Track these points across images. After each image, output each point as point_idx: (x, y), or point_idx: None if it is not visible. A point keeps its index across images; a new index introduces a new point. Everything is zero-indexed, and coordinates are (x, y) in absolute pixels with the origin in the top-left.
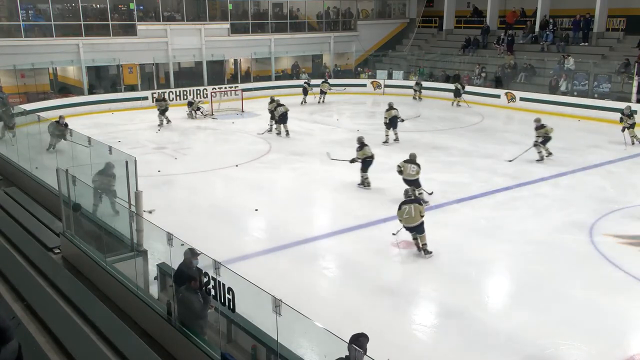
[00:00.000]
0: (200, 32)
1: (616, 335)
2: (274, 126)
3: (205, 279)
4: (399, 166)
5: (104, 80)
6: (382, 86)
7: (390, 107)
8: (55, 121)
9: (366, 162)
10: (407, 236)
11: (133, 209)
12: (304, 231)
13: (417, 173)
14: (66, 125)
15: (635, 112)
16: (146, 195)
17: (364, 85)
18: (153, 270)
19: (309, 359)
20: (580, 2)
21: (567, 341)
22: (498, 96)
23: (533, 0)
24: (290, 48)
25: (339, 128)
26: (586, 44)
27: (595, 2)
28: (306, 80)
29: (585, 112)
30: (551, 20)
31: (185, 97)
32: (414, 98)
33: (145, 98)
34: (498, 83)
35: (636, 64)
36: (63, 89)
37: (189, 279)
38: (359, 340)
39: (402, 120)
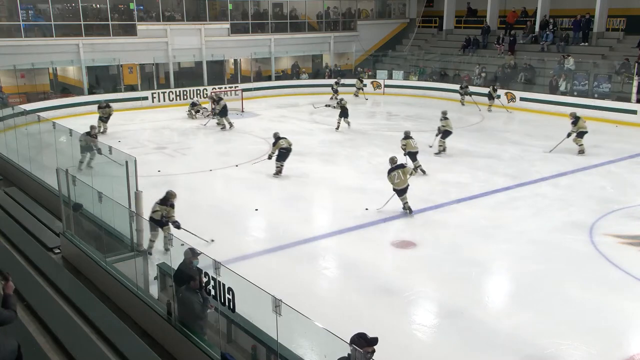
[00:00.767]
0: (200, 32)
1: (616, 335)
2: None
3: (205, 279)
4: (403, 144)
5: (104, 80)
6: (382, 86)
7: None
8: (86, 132)
9: (282, 153)
10: (407, 236)
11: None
12: (304, 231)
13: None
14: (96, 136)
15: (578, 118)
16: (146, 195)
17: (364, 85)
18: (153, 270)
19: (309, 359)
20: (580, 2)
21: (567, 341)
22: (498, 96)
23: (533, 0)
24: (290, 48)
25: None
26: (586, 44)
27: (595, 2)
28: (337, 80)
29: (585, 112)
30: (551, 20)
31: (185, 97)
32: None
33: (145, 98)
34: (498, 82)
35: (636, 64)
36: (64, 89)
37: (189, 279)
38: (359, 341)
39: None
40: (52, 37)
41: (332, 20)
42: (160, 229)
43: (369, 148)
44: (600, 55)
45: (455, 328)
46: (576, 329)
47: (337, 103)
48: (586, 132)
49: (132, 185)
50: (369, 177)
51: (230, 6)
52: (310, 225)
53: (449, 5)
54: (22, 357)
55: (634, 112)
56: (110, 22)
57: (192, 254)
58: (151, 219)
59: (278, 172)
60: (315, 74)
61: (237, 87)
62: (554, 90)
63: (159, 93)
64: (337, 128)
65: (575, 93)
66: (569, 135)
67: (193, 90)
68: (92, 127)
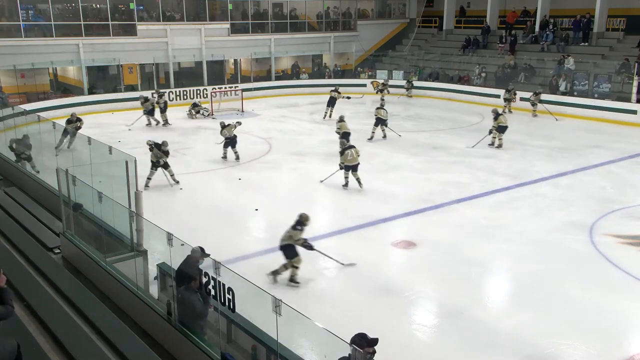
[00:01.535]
0: (200, 32)
1: (616, 335)
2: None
3: (205, 279)
4: (338, 126)
5: (104, 80)
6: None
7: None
8: (67, 120)
9: (227, 142)
10: (407, 236)
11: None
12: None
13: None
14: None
15: (499, 114)
16: (146, 195)
17: (364, 85)
18: (153, 270)
19: (309, 359)
20: (580, 2)
21: (567, 341)
22: (498, 96)
23: (533, 0)
24: (290, 48)
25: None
26: (586, 44)
27: (595, 2)
28: (384, 81)
29: (585, 112)
30: (551, 20)
31: (185, 97)
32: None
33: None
34: (498, 82)
35: (636, 64)
36: (65, 90)
37: (189, 279)
38: (359, 341)
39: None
40: (52, 37)
41: (332, 20)
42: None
43: (368, 148)
44: (600, 55)
45: (455, 328)
46: (576, 329)
47: (380, 107)
48: (506, 127)
49: (132, 185)
50: (369, 177)
51: (230, 6)
52: (310, 225)
53: (449, 5)
54: (22, 357)
55: (634, 112)
56: (110, 22)
57: (201, 253)
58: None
59: (224, 158)
60: (320, 73)
61: (237, 87)
62: (554, 90)
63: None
64: (371, 138)
65: (575, 93)
66: (490, 131)
67: (193, 90)
68: (72, 115)
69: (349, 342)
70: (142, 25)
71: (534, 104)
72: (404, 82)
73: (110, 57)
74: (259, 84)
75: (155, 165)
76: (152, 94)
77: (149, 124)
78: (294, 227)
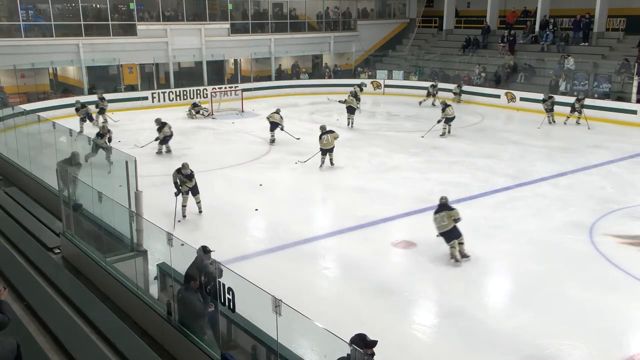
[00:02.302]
0: (200, 32)
1: (616, 335)
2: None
3: (205, 279)
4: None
5: (104, 80)
6: (382, 86)
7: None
8: (97, 133)
9: (165, 139)
10: (407, 236)
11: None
12: (304, 231)
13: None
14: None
15: (447, 105)
16: (146, 195)
17: (364, 85)
18: (153, 270)
19: (309, 359)
20: (580, 2)
21: (567, 341)
22: (498, 96)
23: (533, 0)
24: (290, 48)
25: (339, 128)
26: (586, 44)
27: (595, 2)
28: (433, 84)
29: (585, 112)
30: (551, 20)
31: (185, 97)
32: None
33: (145, 98)
34: (498, 82)
35: (636, 64)
36: (65, 90)
37: (188, 279)
38: (358, 341)
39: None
40: (52, 37)
41: (332, 20)
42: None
43: (369, 148)
44: (600, 55)
45: (455, 328)
46: (576, 329)
47: (442, 110)
48: (453, 118)
49: (132, 185)
50: (369, 177)
51: (230, 6)
52: (310, 225)
53: (449, 5)
54: (22, 356)
55: (634, 112)
56: (110, 22)
57: (203, 252)
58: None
59: (159, 152)
60: (320, 73)
61: (237, 87)
62: (554, 90)
63: (159, 93)
64: (443, 134)
65: (575, 93)
66: (439, 121)
67: (193, 90)
68: (102, 127)
69: (348, 342)
70: (142, 25)
71: (579, 111)
72: (403, 82)
73: (110, 57)
74: (259, 84)
75: (178, 191)
76: (99, 98)
77: (80, 131)
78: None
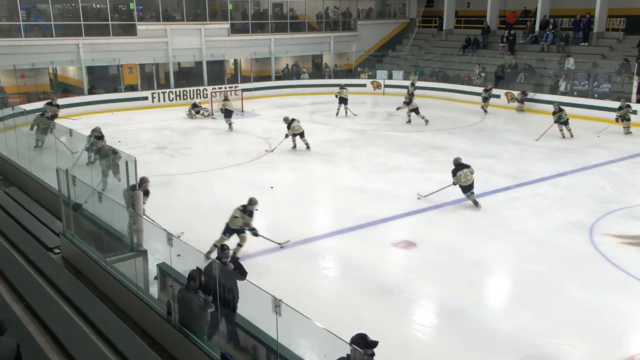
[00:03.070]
0: (200, 32)
1: (616, 335)
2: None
3: (205, 279)
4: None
5: (104, 80)
6: (382, 86)
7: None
8: (47, 102)
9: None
10: (407, 236)
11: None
12: (304, 231)
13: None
14: (58, 106)
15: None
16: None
17: (364, 85)
18: (153, 270)
19: (309, 359)
20: (580, 2)
21: (567, 341)
22: (498, 96)
23: (533, 0)
24: (290, 48)
25: (339, 128)
26: (586, 44)
27: (595, 2)
28: (488, 87)
29: (585, 112)
30: (551, 20)
31: (185, 97)
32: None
33: (145, 98)
34: (498, 82)
35: (636, 64)
36: (65, 90)
37: (189, 279)
38: (358, 341)
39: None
40: (52, 37)
41: (332, 20)
42: (235, 235)
43: (369, 148)
44: (600, 55)
45: (455, 328)
46: (576, 329)
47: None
48: (417, 108)
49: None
50: (369, 177)
51: (230, 6)
52: (310, 225)
53: (449, 5)
54: (22, 356)
55: (634, 112)
56: (110, 22)
57: (221, 251)
58: (227, 227)
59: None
60: (320, 73)
61: (237, 87)
62: (554, 90)
63: (159, 93)
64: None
65: (575, 93)
66: (398, 108)
67: (193, 90)
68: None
69: (348, 341)
70: (142, 25)
71: (626, 119)
72: (403, 82)
73: (110, 57)
74: (259, 84)
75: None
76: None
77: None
78: (241, 210)
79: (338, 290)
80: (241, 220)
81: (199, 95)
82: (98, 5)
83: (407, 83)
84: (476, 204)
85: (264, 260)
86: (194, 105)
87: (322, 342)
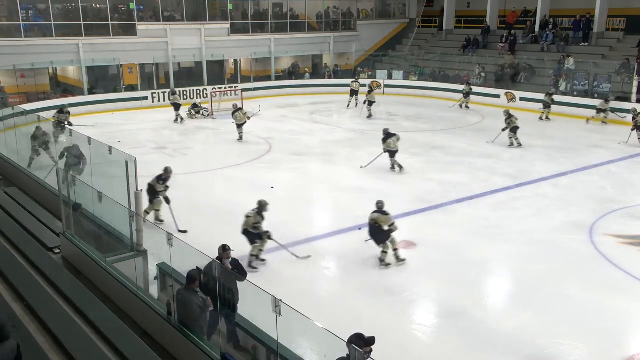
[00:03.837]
0: (200, 32)
1: (616, 335)
2: None
3: (205, 279)
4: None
5: (104, 80)
6: (382, 86)
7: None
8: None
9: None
10: (407, 236)
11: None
12: (304, 231)
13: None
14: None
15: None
16: (146, 195)
17: (364, 86)
18: (153, 270)
19: (309, 359)
20: (580, 2)
21: (567, 341)
22: (498, 96)
23: (533, 0)
24: (290, 48)
25: (339, 128)
26: (586, 44)
27: (595, 2)
28: (547, 100)
29: (585, 112)
30: (551, 20)
31: (185, 97)
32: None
33: (145, 98)
34: (498, 82)
35: (636, 64)
36: (65, 90)
37: (191, 280)
38: (358, 341)
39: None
40: (52, 37)
41: (332, 20)
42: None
43: (368, 148)
44: (600, 55)
45: (455, 328)
46: (576, 329)
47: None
48: (374, 102)
49: (132, 185)
50: (369, 177)
51: (230, 6)
52: (310, 225)
53: (449, 5)
54: (22, 357)
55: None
56: (110, 22)
57: (223, 250)
58: (246, 232)
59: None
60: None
61: (237, 87)
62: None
63: (159, 93)
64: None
65: (575, 93)
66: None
67: (193, 90)
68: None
69: (346, 342)
70: (142, 25)
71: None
72: (403, 82)
73: (110, 57)
74: (259, 84)
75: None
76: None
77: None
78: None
79: (338, 290)
80: (253, 220)
81: (199, 95)
82: (98, 5)
83: (407, 83)
84: (400, 167)
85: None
86: (194, 106)
87: (322, 342)
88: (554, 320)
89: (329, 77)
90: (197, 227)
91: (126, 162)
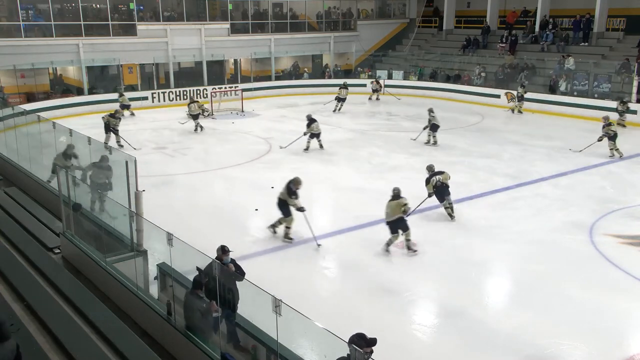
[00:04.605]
0: (200, 32)
1: (616, 335)
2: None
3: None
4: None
5: (104, 80)
6: (382, 86)
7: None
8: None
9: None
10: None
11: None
12: (304, 231)
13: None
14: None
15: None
16: (146, 195)
17: (364, 85)
18: (153, 270)
19: (309, 359)
20: (580, 2)
21: (567, 341)
22: (498, 96)
23: (533, 0)
24: (290, 48)
25: (339, 128)
26: (586, 44)
27: (595, 2)
28: (521, 92)
29: (585, 112)
30: (551, 20)
31: (185, 97)
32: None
33: (145, 98)
34: (499, 82)
35: (636, 64)
36: (65, 90)
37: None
38: (359, 341)
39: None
40: (52, 37)
41: (332, 20)
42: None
43: (368, 148)
44: (600, 55)
45: (455, 328)
46: (576, 329)
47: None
48: (344, 100)
49: (132, 185)
50: (369, 177)
51: (230, 6)
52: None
53: (449, 5)
54: (22, 357)
55: (634, 112)
56: (110, 22)
57: (222, 251)
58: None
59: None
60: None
61: (237, 87)
62: (554, 90)
63: (159, 93)
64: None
65: (575, 93)
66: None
67: (193, 90)
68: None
69: (347, 342)
70: (142, 25)
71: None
72: (403, 82)
73: (110, 57)
74: (259, 84)
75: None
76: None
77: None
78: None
79: (338, 290)
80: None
81: (199, 96)
82: (98, 5)
83: (407, 83)
84: (321, 146)
85: (264, 260)
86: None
87: (322, 342)
88: (554, 320)
89: (329, 77)
90: (197, 227)
91: (126, 162)
